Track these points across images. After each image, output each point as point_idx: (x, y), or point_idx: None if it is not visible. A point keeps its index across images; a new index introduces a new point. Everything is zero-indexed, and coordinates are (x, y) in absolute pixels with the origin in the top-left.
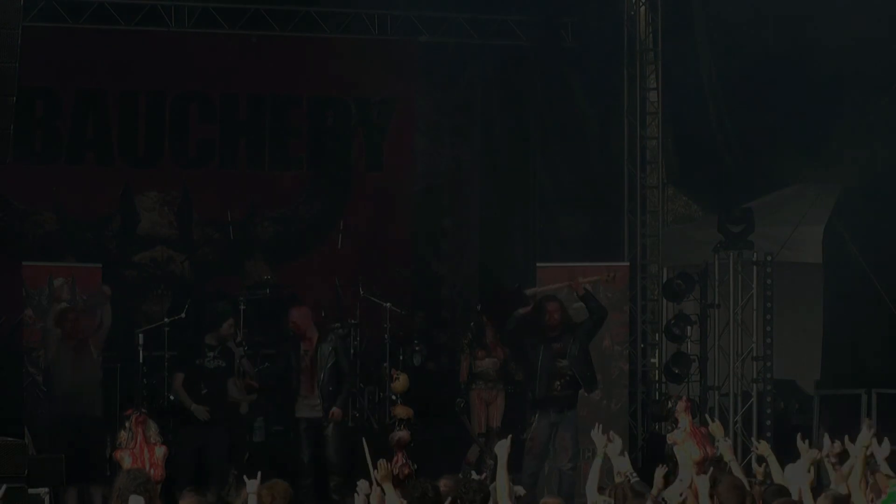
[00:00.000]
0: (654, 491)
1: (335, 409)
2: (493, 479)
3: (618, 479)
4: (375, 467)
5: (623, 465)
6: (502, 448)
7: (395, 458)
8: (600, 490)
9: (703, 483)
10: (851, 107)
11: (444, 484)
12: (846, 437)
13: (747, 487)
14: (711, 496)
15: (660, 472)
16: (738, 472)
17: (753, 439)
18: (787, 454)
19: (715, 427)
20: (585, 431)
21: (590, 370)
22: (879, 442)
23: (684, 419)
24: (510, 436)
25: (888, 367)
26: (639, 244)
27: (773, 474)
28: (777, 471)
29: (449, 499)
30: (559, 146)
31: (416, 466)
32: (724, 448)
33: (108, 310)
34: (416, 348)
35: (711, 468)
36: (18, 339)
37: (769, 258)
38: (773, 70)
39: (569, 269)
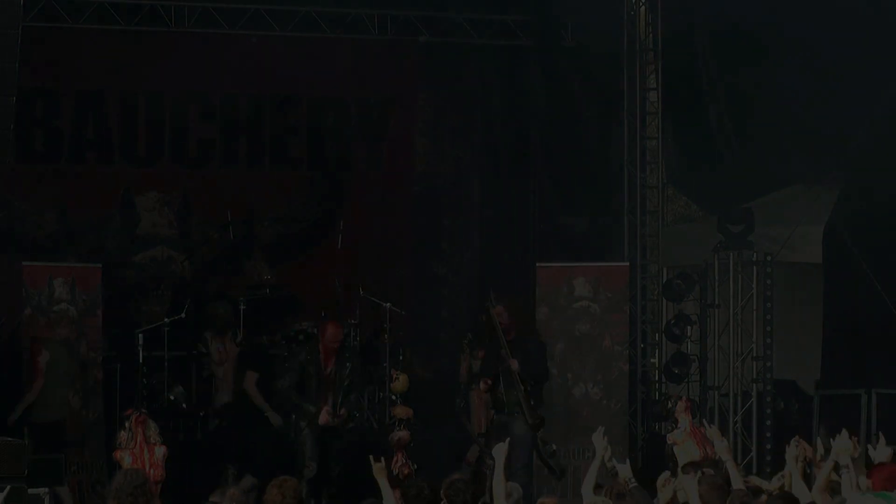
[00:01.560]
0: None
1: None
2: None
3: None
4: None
5: (625, 471)
6: (500, 451)
7: (395, 458)
8: (598, 489)
9: (690, 484)
10: (852, 106)
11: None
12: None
13: (742, 487)
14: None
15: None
16: (734, 472)
17: (753, 448)
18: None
19: (712, 432)
20: (583, 432)
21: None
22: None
23: (684, 419)
24: (508, 439)
25: (888, 367)
26: (639, 244)
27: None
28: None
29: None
30: (559, 146)
31: (415, 466)
32: (721, 449)
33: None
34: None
35: (701, 470)
36: (18, 339)
37: (769, 258)
38: (774, 69)
39: (568, 268)
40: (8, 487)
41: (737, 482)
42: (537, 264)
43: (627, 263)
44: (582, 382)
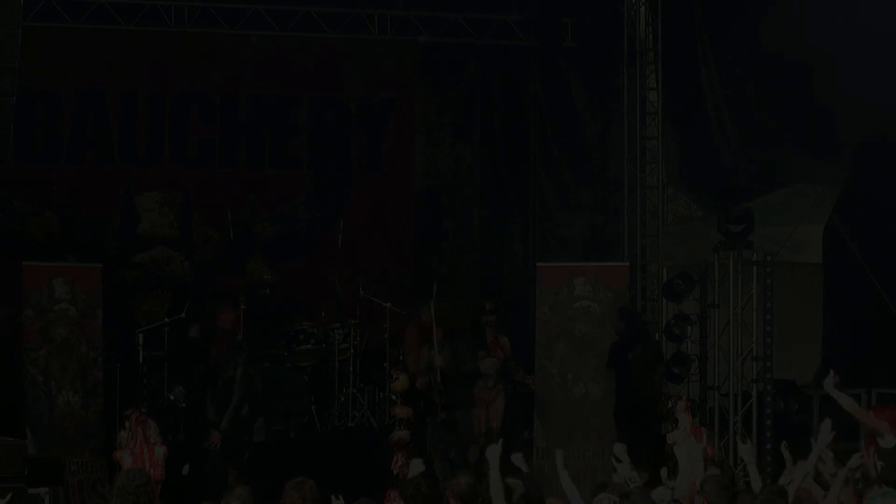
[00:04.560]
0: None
1: (214, 435)
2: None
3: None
4: None
5: (624, 470)
6: (493, 452)
7: (395, 458)
8: (603, 488)
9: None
10: (852, 106)
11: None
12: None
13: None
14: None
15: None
16: (755, 475)
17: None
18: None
19: (745, 449)
20: (583, 432)
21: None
22: None
23: (684, 419)
24: (501, 440)
25: (888, 367)
26: (639, 244)
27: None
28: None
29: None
30: (559, 146)
31: None
32: (745, 451)
33: None
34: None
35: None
36: (18, 339)
37: (769, 258)
38: (773, 69)
39: (569, 268)
40: (10, 494)
41: (756, 483)
42: (538, 264)
43: (627, 264)
44: (582, 382)
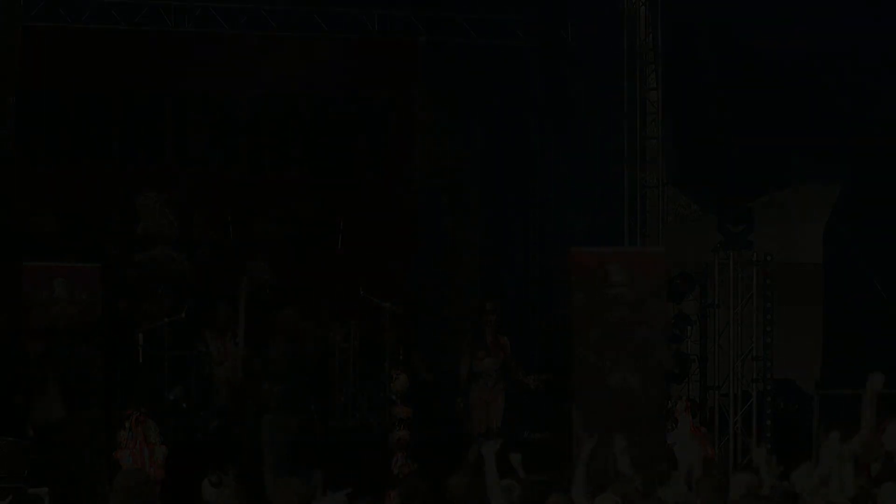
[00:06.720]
0: None
1: None
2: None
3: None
4: None
5: (625, 466)
6: (490, 449)
7: (395, 458)
8: (604, 488)
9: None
10: (853, 105)
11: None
12: None
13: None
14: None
15: None
16: (767, 479)
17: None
18: (786, 454)
19: (758, 452)
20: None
21: None
22: None
23: (684, 419)
24: (500, 439)
25: (888, 367)
26: (639, 244)
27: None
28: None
29: None
30: (559, 146)
31: (416, 466)
32: (759, 455)
33: None
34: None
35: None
36: (18, 339)
37: (769, 258)
38: (773, 69)
39: (603, 253)
40: (10, 496)
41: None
42: (571, 249)
43: (663, 249)
44: (619, 371)
